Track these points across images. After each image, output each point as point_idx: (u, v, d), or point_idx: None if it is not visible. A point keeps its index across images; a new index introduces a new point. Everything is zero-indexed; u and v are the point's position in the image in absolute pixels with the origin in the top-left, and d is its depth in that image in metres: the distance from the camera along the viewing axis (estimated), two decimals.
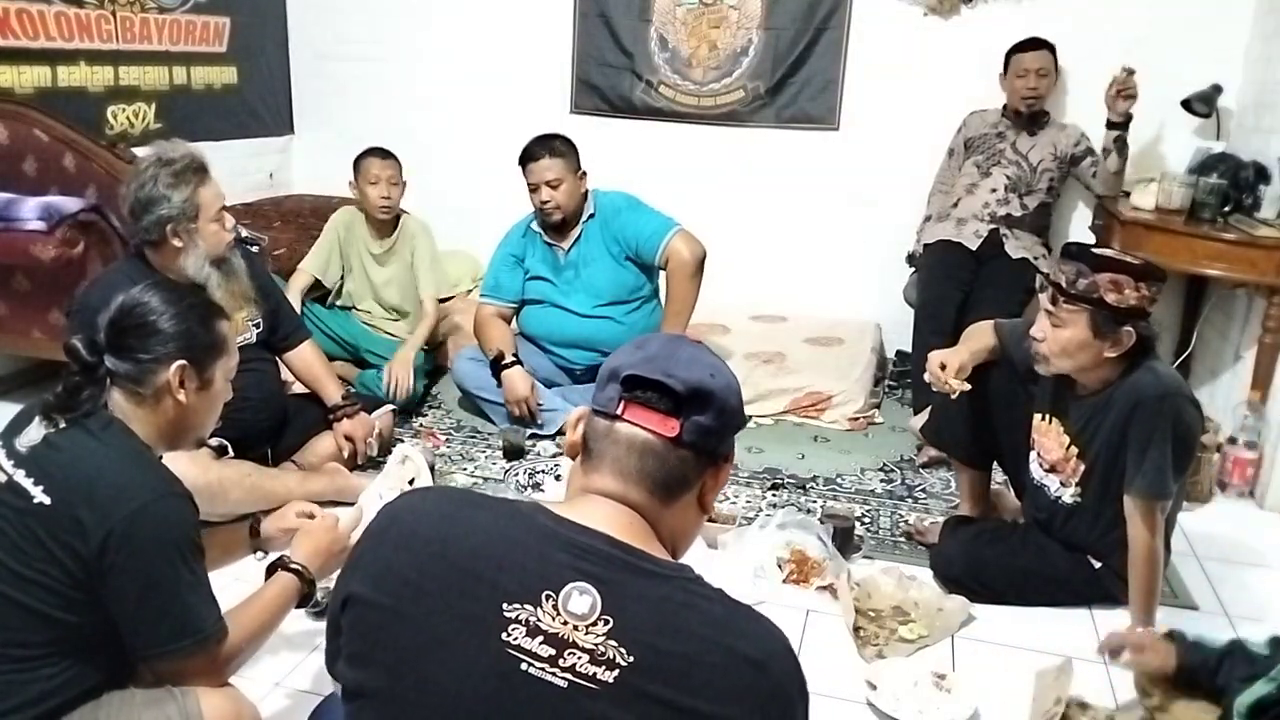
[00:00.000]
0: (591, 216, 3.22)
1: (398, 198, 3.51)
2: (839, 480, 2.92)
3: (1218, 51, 3.56)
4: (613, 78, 4.24)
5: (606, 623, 0.88)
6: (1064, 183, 3.68)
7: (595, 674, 0.86)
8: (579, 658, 0.87)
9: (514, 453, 2.96)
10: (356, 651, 0.95)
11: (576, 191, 3.17)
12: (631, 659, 0.87)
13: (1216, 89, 3.48)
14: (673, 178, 3.85)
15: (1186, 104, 3.52)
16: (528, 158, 3.14)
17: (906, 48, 3.90)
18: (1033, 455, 2.28)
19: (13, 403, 1.60)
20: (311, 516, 1.85)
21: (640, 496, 0.99)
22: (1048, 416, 2.22)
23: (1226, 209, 3.07)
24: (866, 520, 2.65)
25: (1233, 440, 2.91)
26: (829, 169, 4.09)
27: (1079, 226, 3.86)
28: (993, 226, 3.51)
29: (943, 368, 2.24)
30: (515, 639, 0.88)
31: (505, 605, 0.89)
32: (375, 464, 2.77)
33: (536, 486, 2.69)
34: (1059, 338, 2.03)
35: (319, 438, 2.73)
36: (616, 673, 0.86)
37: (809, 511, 2.61)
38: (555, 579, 0.90)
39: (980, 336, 2.35)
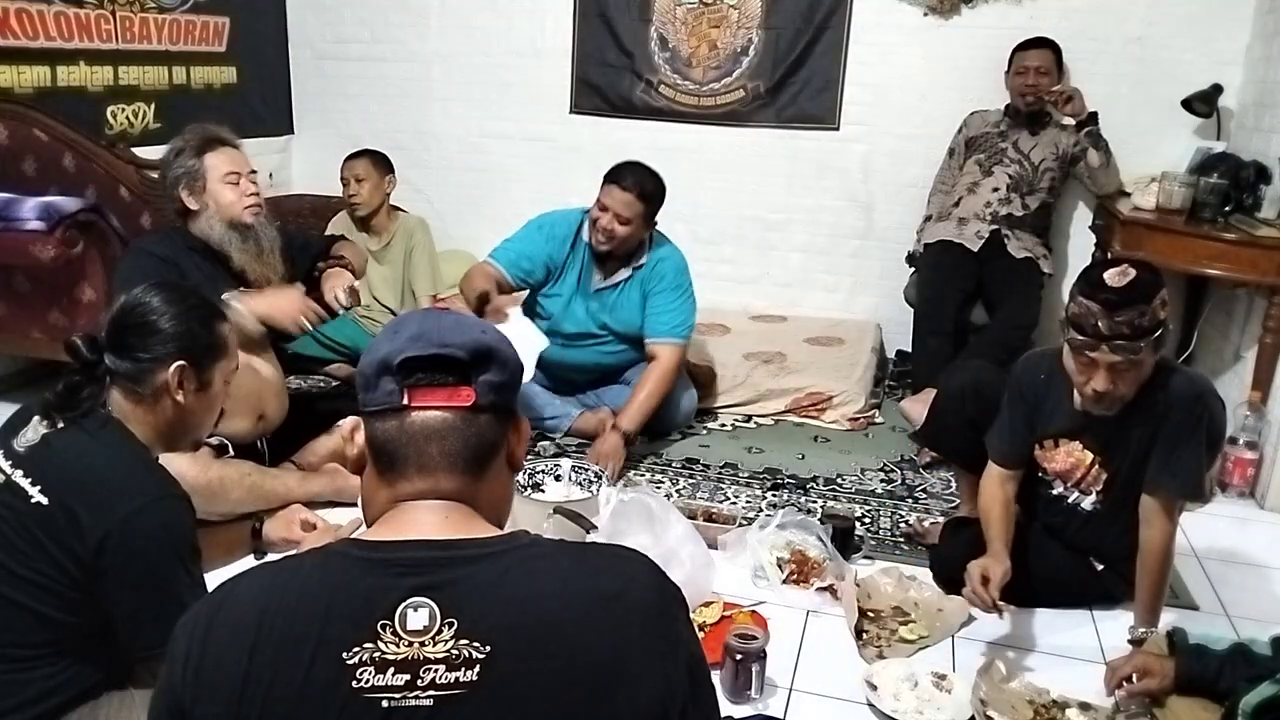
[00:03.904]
0: (639, 268, 3.03)
1: (366, 194, 3.58)
2: (839, 480, 2.92)
3: (1218, 51, 3.56)
4: (613, 77, 4.24)
5: (451, 625, 0.85)
6: (1065, 182, 3.69)
7: (457, 679, 0.84)
8: (435, 671, 0.84)
9: None
10: None
11: (638, 238, 2.99)
12: (488, 648, 0.85)
13: (1216, 89, 3.48)
14: (672, 178, 3.82)
15: (1187, 104, 3.52)
16: (615, 180, 2.91)
17: (906, 48, 3.91)
18: (1044, 473, 2.22)
19: (12, 403, 1.60)
20: (314, 526, 1.86)
21: (452, 482, 0.95)
22: (1055, 441, 2.16)
23: (1227, 209, 3.07)
24: (866, 520, 2.64)
25: (1233, 440, 2.91)
26: (829, 169, 4.09)
27: (1079, 227, 3.86)
28: (994, 227, 3.52)
29: (985, 581, 1.97)
30: (366, 681, 0.84)
31: (344, 654, 0.84)
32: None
33: (536, 487, 2.68)
34: (1135, 377, 1.93)
35: (319, 438, 2.72)
36: (477, 668, 0.84)
37: (809, 511, 2.61)
38: (385, 605, 0.86)
39: (996, 496, 2.14)
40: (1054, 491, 2.21)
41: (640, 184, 2.91)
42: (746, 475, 2.93)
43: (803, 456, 3.09)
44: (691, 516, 2.44)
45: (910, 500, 2.80)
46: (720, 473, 2.93)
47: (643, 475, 2.88)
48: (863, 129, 4.03)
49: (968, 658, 2.02)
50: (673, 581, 0.95)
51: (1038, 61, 3.52)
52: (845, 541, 2.40)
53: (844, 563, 2.29)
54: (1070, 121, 3.54)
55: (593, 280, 3.06)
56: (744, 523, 2.50)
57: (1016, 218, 3.54)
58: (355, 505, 2.38)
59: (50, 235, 2.80)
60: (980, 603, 1.96)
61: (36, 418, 1.40)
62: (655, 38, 4.16)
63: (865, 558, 2.44)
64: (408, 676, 0.84)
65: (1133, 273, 1.88)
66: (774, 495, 2.79)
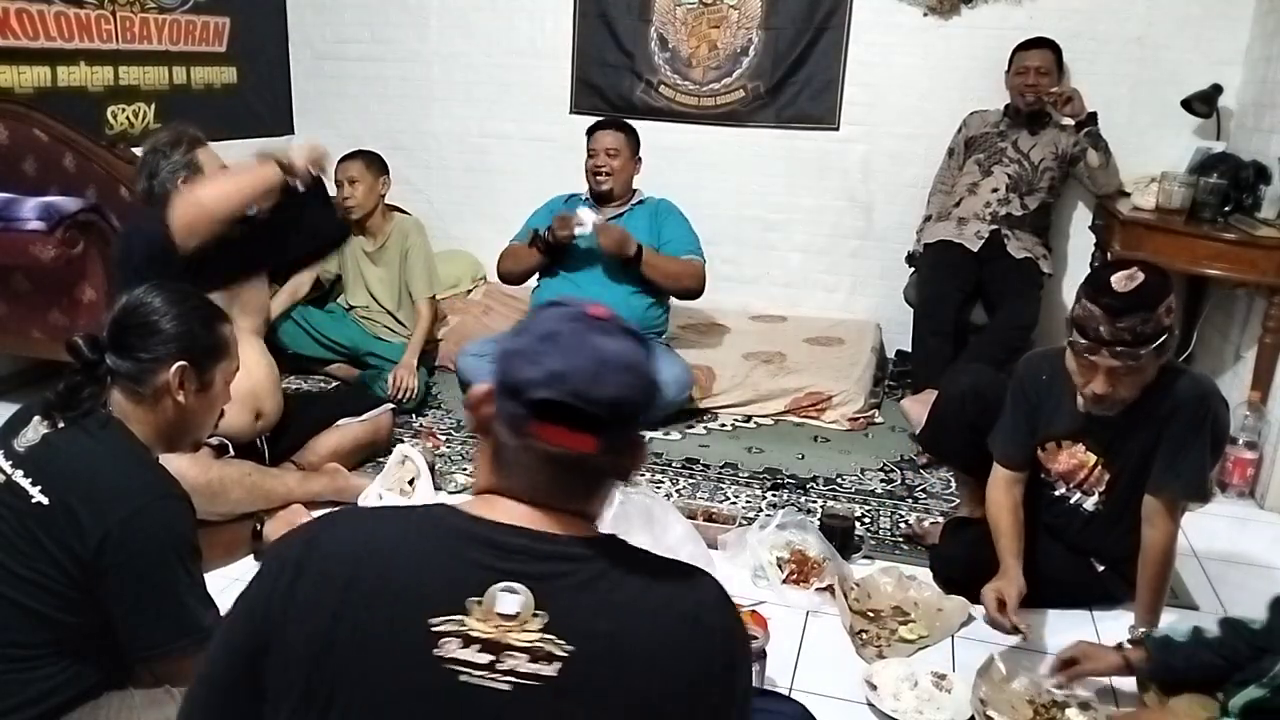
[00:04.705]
0: (640, 203, 3.45)
1: (361, 196, 3.53)
2: (839, 480, 2.92)
3: (1218, 51, 3.56)
4: (613, 78, 4.24)
5: (540, 618, 0.86)
6: (1064, 182, 3.69)
7: (537, 671, 0.85)
8: (517, 659, 0.85)
9: None
10: (287, 704, 0.87)
11: (628, 171, 3.42)
12: (571, 649, 0.85)
13: (1216, 89, 3.48)
14: (672, 178, 3.85)
15: (1186, 104, 3.53)
16: (596, 127, 3.43)
17: (906, 48, 3.91)
18: (1046, 474, 2.21)
19: (13, 403, 1.60)
20: None
21: (559, 501, 0.94)
22: (1058, 442, 2.16)
23: (1227, 209, 3.07)
24: (866, 520, 2.64)
25: (1233, 440, 2.90)
26: (829, 169, 4.09)
27: (1079, 227, 3.86)
28: (994, 227, 3.52)
29: (1001, 605, 1.99)
30: (449, 652, 0.85)
31: (431, 620, 0.85)
32: (376, 464, 2.77)
33: None
34: (1137, 381, 1.92)
35: (319, 437, 2.73)
36: (559, 665, 0.85)
37: (809, 511, 2.61)
38: (479, 582, 0.87)
39: (1004, 504, 2.14)
40: (1056, 492, 2.21)
41: (616, 122, 3.45)
42: (746, 475, 2.93)
43: (802, 456, 3.09)
44: (691, 516, 2.44)
45: (910, 500, 2.80)
46: (720, 473, 2.94)
47: (643, 475, 2.88)
48: (863, 129, 4.03)
49: (968, 658, 2.02)
50: (738, 617, 0.97)
51: (1038, 61, 3.53)
52: (845, 541, 2.40)
53: (843, 562, 2.29)
54: (1070, 122, 3.54)
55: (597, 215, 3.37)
56: (744, 523, 2.50)
57: (1016, 218, 3.55)
58: (355, 505, 2.40)
59: (51, 235, 2.80)
60: (1000, 628, 1.98)
61: (37, 418, 1.40)
62: (655, 38, 4.16)
63: (865, 558, 2.44)
64: (491, 657, 0.85)
65: (1141, 277, 1.86)
66: (774, 495, 2.79)
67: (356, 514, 0.98)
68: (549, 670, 0.85)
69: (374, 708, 0.85)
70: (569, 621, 0.86)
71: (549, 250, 3.32)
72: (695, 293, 3.39)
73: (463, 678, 0.84)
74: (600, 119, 3.51)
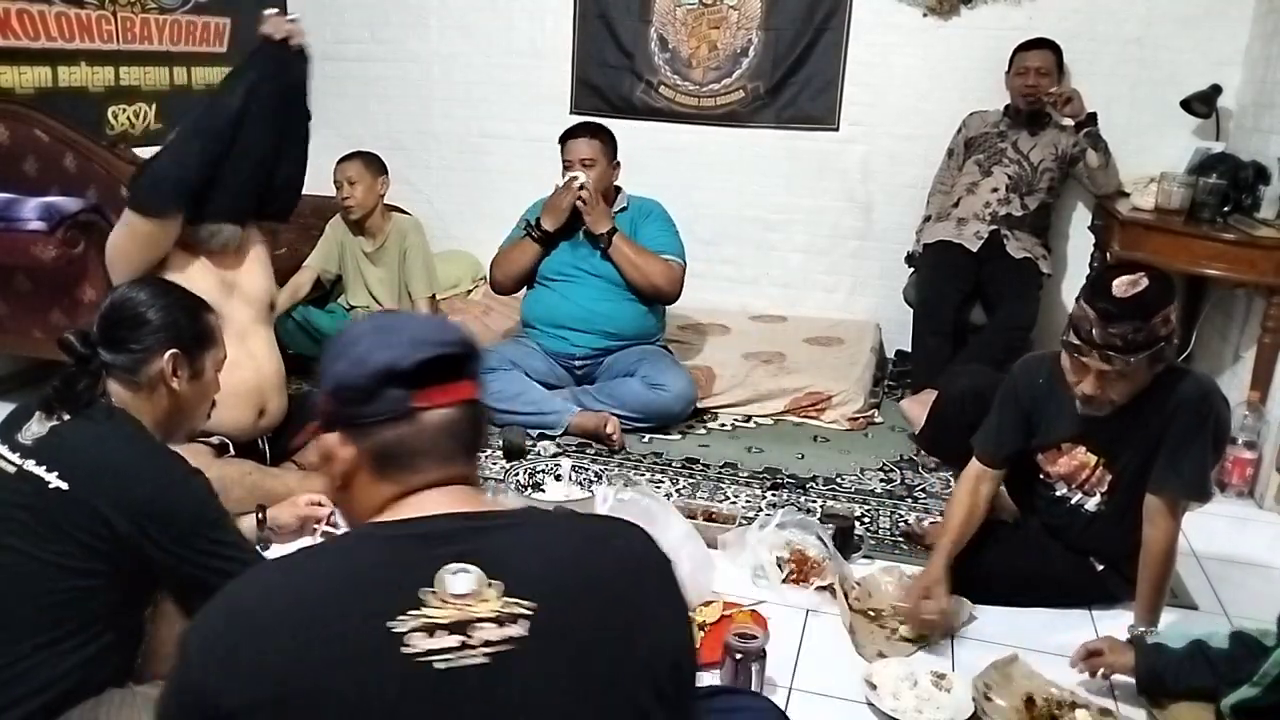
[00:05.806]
0: (623, 210, 3.34)
1: (360, 196, 3.53)
2: (839, 480, 2.92)
3: (1217, 52, 3.57)
4: (613, 78, 4.25)
5: (497, 587, 0.87)
6: (1064, 183, 3.69)
7: (509, 635, 0.86)
8: (486, 629, 0.86)
9: (514, 453, 2.96)
10: None
11: (607, 178, 3.29)
12: (534, 604, 0.87)
13: (1216, 89, 3.48)
14: (673, 178, 3.86)
15: (1186, 104, 3.53)
16: (569, 135, 3.29)
17: (906, 48, 3.91)
18: (1046, 476, 2.22)
19: (13, 402, 1.62)
20: (322, 505, 1.90)
21: (461, 468, 0.99)
22: (1059, 446, 2.16)
23: (1226, 209, 3.07)
24: (866, 520, 2.65)
25: (1232, 440, 2.91)
26: (829, 169, 4.09)
27: (1079, 227, 3.87)
28: (994, 228, 3.52)
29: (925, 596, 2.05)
30: (417, 646, 0.84)
31: (389, 624, 0.84)
32: None
33: (537, 486, 2.69)
34: (1127, 387, 1.94)
35: (319, 437, 2.72)
36: (527, 623, 0.86)
37: (809, 511, 2.61)
38: (424, 573, 0.87)
39: (963, 502, 2.16)
40: (1056, 493, 2.21)
41: (590, 128, 3.30)
42: (746, 475, 2.93)
43: (802, 456, 3.09)
44: (691, 516, 2.44)
45: (910, 500, 2.80)
46: (720, 472, 2.94)
47: (643, 475, 2.88)
48: (862, 129, 4.03)
49: (968, 658, 2.03)
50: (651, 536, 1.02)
51: (1038, 62, 3.53)
52: (845, 541, 2.40)
53: (843, 562, 2.30)
54: (1070, 122, 3.54)
55: (579, 232, 3.30)
56: (744, 522, 2.50)
57: (1015, 218, 3.55)
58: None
59: (51, 235, 2.81)
60: (916, 617, 2.04)
61: (39, 413, 1.42)
62: (655, 38, 4.17)
63: (865, 557, 2.44)
64: (461, 638, 0.85)
65: (1143, 285, 1.86)
66: (774, 495, 2.80)
67: (273, 565, 0.98)
68: (519, 630, 0.86)
69: None
70: (526, 580, 0.88)
71: (545, 239, 3.27)
72: (667, 294, 3.27)
73: (438, 665, 0.84)
74: (571, 125, 3.36)
